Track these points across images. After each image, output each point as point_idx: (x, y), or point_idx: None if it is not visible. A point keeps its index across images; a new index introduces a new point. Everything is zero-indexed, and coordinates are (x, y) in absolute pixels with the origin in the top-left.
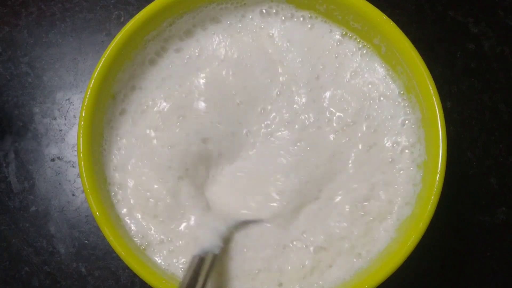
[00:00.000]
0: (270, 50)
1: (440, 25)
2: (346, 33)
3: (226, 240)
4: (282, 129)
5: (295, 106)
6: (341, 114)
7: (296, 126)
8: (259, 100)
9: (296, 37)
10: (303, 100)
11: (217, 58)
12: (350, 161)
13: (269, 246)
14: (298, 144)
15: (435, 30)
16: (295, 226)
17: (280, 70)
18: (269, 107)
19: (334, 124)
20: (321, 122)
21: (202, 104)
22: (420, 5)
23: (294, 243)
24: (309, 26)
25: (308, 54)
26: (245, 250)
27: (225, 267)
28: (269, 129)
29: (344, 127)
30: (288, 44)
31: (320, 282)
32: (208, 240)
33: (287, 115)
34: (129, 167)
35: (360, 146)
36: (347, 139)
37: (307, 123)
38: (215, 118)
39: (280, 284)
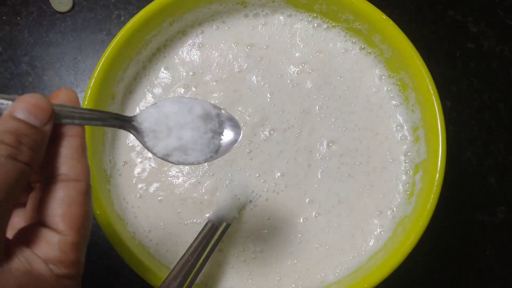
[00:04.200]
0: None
1: (440, 24)
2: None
3: (241, 210)
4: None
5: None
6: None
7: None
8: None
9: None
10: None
11: (219, 58)
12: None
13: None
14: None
15: (435, 29)
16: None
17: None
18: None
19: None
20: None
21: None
22: (420, 4)
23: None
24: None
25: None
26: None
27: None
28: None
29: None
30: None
31: (320, 280)
32: (226, 209)
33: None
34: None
35: (359, 145)
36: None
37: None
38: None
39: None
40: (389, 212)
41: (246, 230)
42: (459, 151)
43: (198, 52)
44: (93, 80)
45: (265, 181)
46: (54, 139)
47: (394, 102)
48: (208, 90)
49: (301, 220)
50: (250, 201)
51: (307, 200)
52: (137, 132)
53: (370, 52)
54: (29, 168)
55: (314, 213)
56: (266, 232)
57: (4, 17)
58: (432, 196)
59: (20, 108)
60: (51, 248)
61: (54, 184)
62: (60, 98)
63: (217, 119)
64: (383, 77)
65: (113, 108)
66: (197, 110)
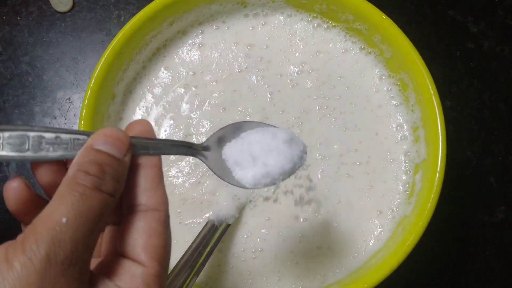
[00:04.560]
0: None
1: (440, 24)
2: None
3: (241, 210)
4: None
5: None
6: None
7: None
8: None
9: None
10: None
11: (218, 58)
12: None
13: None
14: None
15: (435, 29)
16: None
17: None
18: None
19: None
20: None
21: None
22: (420, 4)
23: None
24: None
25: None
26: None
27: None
28: None
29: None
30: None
31: (320, 280)
32: (226, 209)
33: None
34: None
35: (359, 146)
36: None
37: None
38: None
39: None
40: (389, 212)
41: (246, 230)
42: (459, 151)
43: (198, 52)
44: (93, 80)
45: None
46: (131, 170)
47: (394, 102)
48: (208, 90)
49: (301, 220)
50: (250, 201)
51: (307, 200)
52: (206, 158)
53: (370, 52)
54: (112, 199)
55: (314, 213)
56: (266, 232)
57: (4, 17)
58: (432, 196)
59: (99, 140)
60: (135, 280)
61: (134, 215)
62: (135, 129)
63: (303, 146)
64: (383, 77)
65: (113, 108)
66: (282, 136)
